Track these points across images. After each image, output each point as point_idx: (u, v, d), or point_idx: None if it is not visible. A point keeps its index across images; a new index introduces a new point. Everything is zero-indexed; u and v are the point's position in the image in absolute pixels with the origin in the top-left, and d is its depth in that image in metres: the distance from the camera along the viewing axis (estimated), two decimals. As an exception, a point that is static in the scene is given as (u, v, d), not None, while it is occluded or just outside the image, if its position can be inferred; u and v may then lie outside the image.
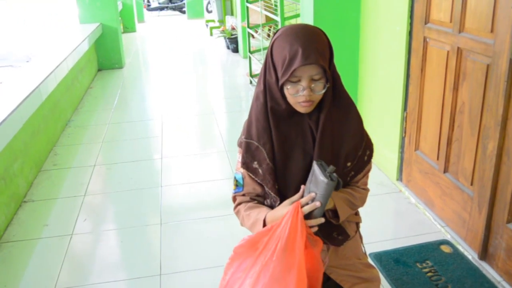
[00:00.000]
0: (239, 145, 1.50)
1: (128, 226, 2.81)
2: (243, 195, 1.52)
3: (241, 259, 1.42)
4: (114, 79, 6.27)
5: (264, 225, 1.40)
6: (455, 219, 2.50)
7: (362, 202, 1.58)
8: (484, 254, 2.29)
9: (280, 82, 1.35)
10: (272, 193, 1.45)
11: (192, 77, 6.48)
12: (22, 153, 3.26)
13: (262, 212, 1.44)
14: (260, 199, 1.52)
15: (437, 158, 2.61)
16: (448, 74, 2.42)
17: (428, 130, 2.68)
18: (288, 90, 1.36)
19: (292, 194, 1.41)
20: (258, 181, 1.45)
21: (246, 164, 1.45)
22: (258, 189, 1.48)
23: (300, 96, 1.35)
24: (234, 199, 1.55)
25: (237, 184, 1.51)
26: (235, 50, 7.70)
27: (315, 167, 1.29)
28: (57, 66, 3.92)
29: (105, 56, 6.73)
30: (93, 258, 2.53)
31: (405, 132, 2.93)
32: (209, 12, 12.70)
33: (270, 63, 1.38)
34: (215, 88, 5.97)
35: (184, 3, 13.23)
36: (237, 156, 1.51)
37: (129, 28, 10.30)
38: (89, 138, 4.21)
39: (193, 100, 5.42)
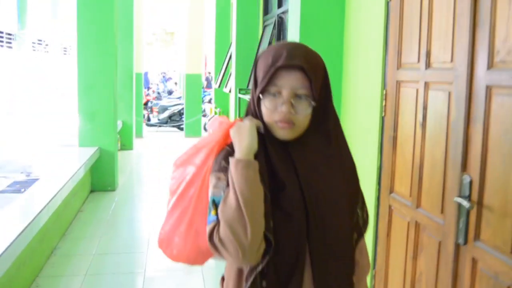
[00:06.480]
0: (218, 170, 1.24)
1: None
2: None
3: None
4: (105, 203, 6.41)
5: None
6: None
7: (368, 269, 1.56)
8: None
9: (258, 91, 1.19)
10: (266, 233, 1.18)
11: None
12: (4, 287, 3.30)
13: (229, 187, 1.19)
14: None
15: (402, 321, 2.72)
16: (409, 243, 2.62)
17: (394, 291, 2.82)
18: (265, 104, 1.19)
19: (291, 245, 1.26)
20: None
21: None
22: None
23: (278, 112, 1.17)
24: (211, 231, 1.21)
25: (216, 209, 1.22)
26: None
27: None
28: (50, 200, 4.10)
29: (99, 178, 6.87)
30: None
31: (374, 288, 3.06)
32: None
33: (253, 79, 1.26)
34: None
35: (183, 122, 13.76)
36: (211, 181, 1.26)
37: (126, 145, 10.59)
38: (72, 269, 4.27)
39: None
